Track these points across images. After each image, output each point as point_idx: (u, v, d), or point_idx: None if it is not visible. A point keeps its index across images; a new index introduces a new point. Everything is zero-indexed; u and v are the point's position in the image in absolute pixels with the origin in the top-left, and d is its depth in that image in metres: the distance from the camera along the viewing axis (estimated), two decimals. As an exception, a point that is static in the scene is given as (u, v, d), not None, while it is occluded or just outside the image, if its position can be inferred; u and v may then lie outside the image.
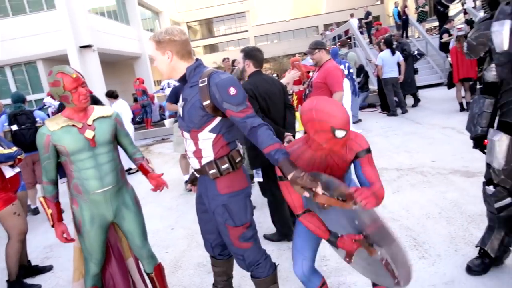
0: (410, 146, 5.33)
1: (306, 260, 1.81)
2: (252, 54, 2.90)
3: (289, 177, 1.46)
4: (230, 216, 1.77)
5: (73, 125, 1.93)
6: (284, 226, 3.07)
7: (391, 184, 3.99)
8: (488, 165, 2.11)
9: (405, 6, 13.26)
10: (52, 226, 2.00)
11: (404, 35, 12.91)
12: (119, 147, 2.19)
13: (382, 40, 7.87)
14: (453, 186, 3.69)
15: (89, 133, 1.94)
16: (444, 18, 10.86)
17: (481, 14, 1.85)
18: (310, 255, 1.83)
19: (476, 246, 2.33)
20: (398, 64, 7.57)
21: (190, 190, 4.17)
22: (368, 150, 1.64)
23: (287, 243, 3.05)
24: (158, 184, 2.16)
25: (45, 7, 14.31)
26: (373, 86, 9.69)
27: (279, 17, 45.00)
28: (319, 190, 1.45)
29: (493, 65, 2.00)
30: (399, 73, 7.59)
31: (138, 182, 4.13)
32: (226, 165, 1.74)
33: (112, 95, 6.33)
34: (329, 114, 1.47)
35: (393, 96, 7.68)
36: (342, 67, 5.71)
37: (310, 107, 1.52)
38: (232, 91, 1.62)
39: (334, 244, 1.62)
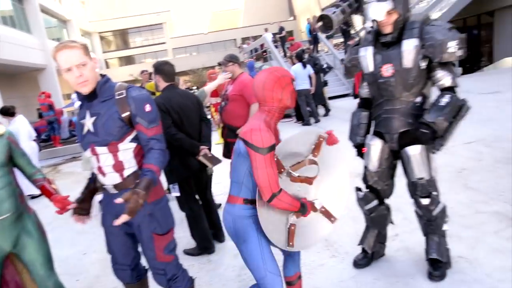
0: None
1: (280, 276, 1.70)
2: (160, 68, 2.87)
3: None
4: (158, 224, 1.79)
5: None
6: (204, 240, 3.06)
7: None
8: (365, 168, 2.41)
9: (309, 22, 14.29)
10: None
11: (315, 50, 13.90)
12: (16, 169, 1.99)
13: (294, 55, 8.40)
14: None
15: None
16: (347, 35, 11.99)
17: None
18: (278, 270, 1.72)
19: (358, 245, 2.59)
20: (310, 77, 8.13)
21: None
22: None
23: (207, 256, 3.05)
24: (63, 207, 2.00)
25: None
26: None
27: (197, 30, 44.98)
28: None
29: (365, 84, 2.37)
30: (311, 85, 8.15)
31: (44, 205, 3.74)
32: None
33: (7, 112, 5.55)
34: (283, 70, 1.72)
35: (306, 107, 8.19)
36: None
37: (269, 71, 1.69)
38: (148, 107, 1.71)
39: (304, 211, 1.68)
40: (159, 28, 37.79)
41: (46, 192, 2.06)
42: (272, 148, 1.58)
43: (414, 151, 2.15)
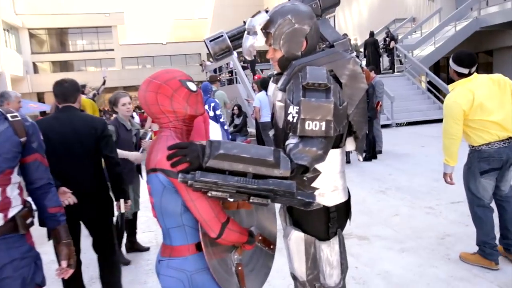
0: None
1: None
2: (53, 88, 2.85)
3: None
4: (42, 270, 1.82)
5: None
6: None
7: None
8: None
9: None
10: None
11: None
12: None
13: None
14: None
15: None
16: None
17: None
18: None
19: None
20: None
21: None
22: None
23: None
24: None
25: None
26: (253, 129, 10.27)
27: (154, 39, 45.28)
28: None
29: None
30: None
31: None
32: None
33: None
34: (168, 72, 1.62)
35: (272, 143, 8.19)
36: (206, 107, 5.88)
37: (148, 80, 1.61)
38: (41, 136, 1.83)
39: (252, 241, 1.66)
40: (107, 31, 37.69)
41: None
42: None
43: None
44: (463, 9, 14.88)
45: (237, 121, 10.14)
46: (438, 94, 13.27)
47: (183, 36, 46.43)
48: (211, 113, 6.07)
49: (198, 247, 1.56)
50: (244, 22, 1.95)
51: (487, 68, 15.01)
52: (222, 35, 2.04)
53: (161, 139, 1.57)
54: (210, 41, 2.01)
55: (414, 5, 18.80)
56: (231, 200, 1.44)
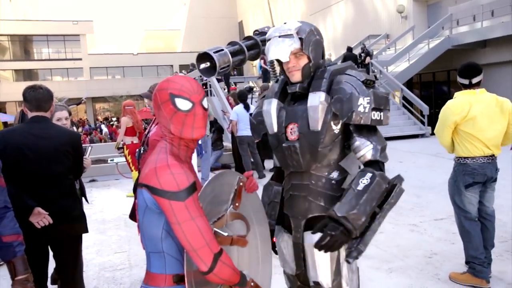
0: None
1: None
2: (23, 94, 2.61)
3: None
4: None
5: None
6: None
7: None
8: (284, 271, 2.14)
9: (263, 58, 14.79)
10: None
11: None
12: None
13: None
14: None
15: None
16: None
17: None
18: None
19: None
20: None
21: None
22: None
23: None
24: None
25: None
26: (228, 143, 10.12)
27: (125, 49, 44.73)
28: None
29: None
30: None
31: None
32: None
33: None
34: (169, 80, 1.49)
35: (249, 158, 8.07)
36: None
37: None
38: None
39: (244, 284, 1.48)
40: (75, 40, 36.97)
41: None
42: (192, 188, 1.34)
43: (316, 239, 1.75)
44: (435, 28, 15.36)
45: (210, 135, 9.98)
46: (412, 109, 13.54)
47: (154, 47, 46.12)
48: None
49: (176, 279, 1.41)
50: (246, 38, 2.11)
51: (456, 87, 15.47)
52: (222, 49, 1.92)
53: (155, 150, 1.45)
54: (214, 52, 1.87)
55: (388, 22, 19.30)
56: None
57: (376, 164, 1.78)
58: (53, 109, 2.77)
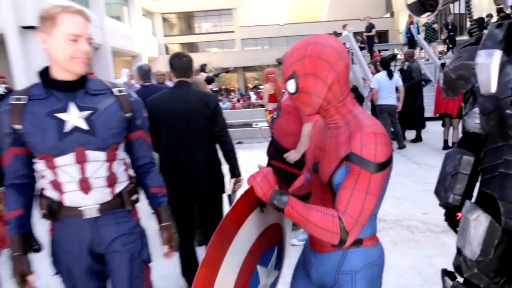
0: (400, 191, 5.16)
1: None
2: (170, 62, 2.77)
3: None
4: (147, 249, 1.78)
5: None
6: None
7: (369, 239, 3.75)
8: (459, 250, 1.77)
9: (411, 22, 13.47)
10: None
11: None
12: None
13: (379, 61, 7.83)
14: (444, 249, 3.48)
15: None
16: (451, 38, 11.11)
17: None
18: None
19: None
20: (398, 90, 7.53)
21: None
22: (376, 166, 1.22)
23: None
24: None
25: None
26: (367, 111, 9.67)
27: (272, 20, 45.56)
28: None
29: (476, 110, 1.68)
30: (398, 101, 7.54)
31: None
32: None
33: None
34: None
35: (389, 127, 7.59)
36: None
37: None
38: (145, 113, 1.79)
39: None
40: (228, 14, 38.94)
41: None
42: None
43: None
44: None
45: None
46: None
47: (300, 17, 46.01)
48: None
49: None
50: None
51: None
52: None
53: (365, 114, 1.36)
54: None
55: None
56: None
57: None
58: (193, 75, 2.91)
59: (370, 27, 14.39)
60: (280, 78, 6.96)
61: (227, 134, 2.80)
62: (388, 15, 34.91)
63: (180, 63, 2.75)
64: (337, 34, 15.86)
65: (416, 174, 5.90)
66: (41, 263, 1.89)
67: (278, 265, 1.51)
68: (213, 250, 1.17)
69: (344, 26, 15.25)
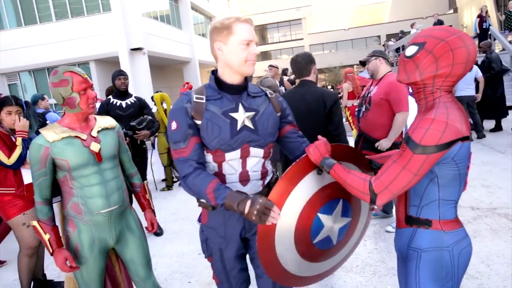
0: (490, 179, 4.64)
1: None
2: (290, 65, 2.77)
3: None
4: None
5: (76, 136, 1.77)
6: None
7: (466, 226, 3.40)
8: None
9: (480, 16, 12.18)
10: (51, 254, 1.80)
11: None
12: None
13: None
14: (550, 238, 3.04)
15: (94, 146, 1.79)
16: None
17: None
18: None
19: None
20: (477, 80, 6.83)
21: None
22: (419, 148, 1.19)
23: None
24: (151, 226, 2.15)
25: (102, 9, 15.15)
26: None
27: (337, 25, 44.33)
28: None
29: None
30: (477, 91, 6.84)
31: (171, 195, 3.94)
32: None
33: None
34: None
35: (468, 118, 6.92)
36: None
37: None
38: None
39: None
40: (297, 23, 38.63)
41: (139, 203, 2.17)
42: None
43: None
44: None
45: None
46: None
47: (363, 21, 44.22)
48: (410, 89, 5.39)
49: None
50: None
51: None
52: None
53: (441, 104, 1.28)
54: None
55: None
56: None
57: None
58: (315, 70, 2.77)
59: (439, 23, 13.32)
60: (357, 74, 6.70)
61: (342, 133, 2.63)
62: (451, 11, 32.17)
63: (295, 65, 2.73)
64: (404, 33, 14.94)
65: (503, 162, 5.28)
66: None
67: (346, 214, 1.53)
68: (281, 184, 1.34)
69: (412, 25, 14.30)
